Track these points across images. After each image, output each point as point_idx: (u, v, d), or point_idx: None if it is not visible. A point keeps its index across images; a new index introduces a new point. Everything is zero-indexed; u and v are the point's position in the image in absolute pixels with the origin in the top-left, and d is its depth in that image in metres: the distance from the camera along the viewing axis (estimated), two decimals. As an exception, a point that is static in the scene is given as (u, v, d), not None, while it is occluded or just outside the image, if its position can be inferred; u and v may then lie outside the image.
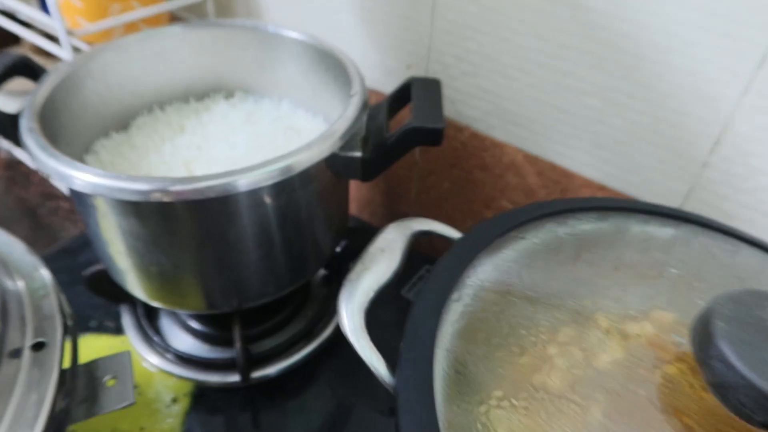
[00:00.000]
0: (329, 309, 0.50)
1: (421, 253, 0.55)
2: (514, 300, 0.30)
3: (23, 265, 0.31)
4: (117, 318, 0.49)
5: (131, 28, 0.56)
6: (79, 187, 0.33)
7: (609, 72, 0.41)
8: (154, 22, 0.58)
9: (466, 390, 0.24)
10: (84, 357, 0.31)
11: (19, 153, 0.84)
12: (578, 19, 0.41)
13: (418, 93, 0.40)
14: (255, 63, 0.50)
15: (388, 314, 0.44)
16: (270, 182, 0.34)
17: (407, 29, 0.50)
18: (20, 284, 0.30)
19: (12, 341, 0.26)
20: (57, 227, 0.73)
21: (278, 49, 0.49)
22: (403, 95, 0.43)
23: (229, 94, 0.53)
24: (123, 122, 0.48)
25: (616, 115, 0.43)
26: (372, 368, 0.25)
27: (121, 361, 0.31)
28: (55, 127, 0.40)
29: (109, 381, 0.30)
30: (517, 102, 0.47)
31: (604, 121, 0.43)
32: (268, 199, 0.36)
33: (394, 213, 0.64)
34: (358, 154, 0.38)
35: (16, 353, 0.26)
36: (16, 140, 0.41)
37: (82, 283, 0.51)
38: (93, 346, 0.46)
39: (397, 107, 0.44)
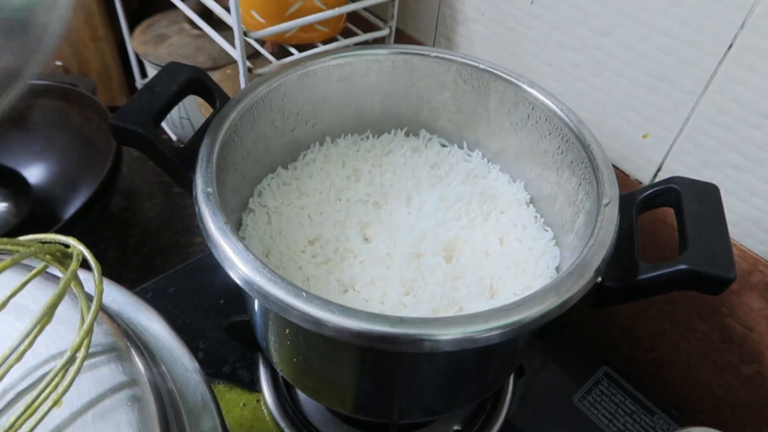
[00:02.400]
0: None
1: (597, 352, 0.46)
2: None
3: (187, 394, 0.25)
4: (252, 367, 0.44)
5: (307, 28, 0.48)
6: (251, 292, 0.26)
7: None
8: (331, 23, 0.50)
9: None
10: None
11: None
12: None
13: (693, 211, 0.30)
14: (453, 104, 0.41)
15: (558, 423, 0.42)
16: (487, 342, 0.25)
17: (665, 94, 0.38)
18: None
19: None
20: (190, 211, 0.70)
21: (490, 95, 0.39)
22: (654, 200, 0.33)
23: (410, 132, 0.44)
24: (291, 155, 0.42)
25: None
26: None
27: None
28: (224, 169, 0.34)
29: None
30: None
31: None
32: (469, 353, 0.29)
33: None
34: (598, 278, 0.29)
35: None
36: (177, 177, 0.36)
37: (218, 314, 0.47)
38: (224, 400, 0.42)
39: (642, 210, 0.33)
